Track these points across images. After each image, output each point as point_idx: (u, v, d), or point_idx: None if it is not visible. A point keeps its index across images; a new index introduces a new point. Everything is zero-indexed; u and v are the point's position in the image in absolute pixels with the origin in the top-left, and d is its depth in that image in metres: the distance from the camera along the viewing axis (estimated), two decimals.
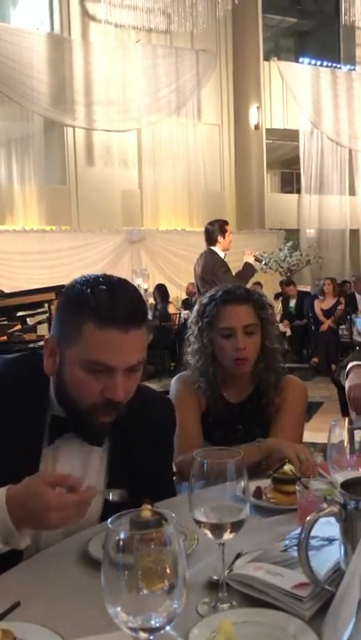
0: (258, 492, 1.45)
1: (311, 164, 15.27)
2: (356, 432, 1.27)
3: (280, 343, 1.97)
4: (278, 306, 10.05)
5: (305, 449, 1.69)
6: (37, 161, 12.49)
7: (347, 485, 0.98)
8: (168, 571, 0.74)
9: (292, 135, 15.32)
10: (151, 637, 0.76)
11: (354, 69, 15.86)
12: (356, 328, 8.59)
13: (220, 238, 5.38)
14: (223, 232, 5.40)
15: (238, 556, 1.14)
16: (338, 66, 15.70)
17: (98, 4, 12.32)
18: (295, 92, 14.92)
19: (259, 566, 1.06)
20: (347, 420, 1.29)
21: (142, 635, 0.75)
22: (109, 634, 0.89)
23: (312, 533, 0.96)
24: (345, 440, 1.26)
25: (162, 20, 12.24)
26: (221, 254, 5.38)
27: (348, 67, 15.84)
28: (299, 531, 0.99)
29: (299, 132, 15.23)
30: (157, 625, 0.75)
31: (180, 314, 9.94)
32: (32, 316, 6.28)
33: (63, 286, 1.39)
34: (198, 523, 1.02)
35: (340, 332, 9.02)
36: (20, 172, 12.35)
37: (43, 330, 6.31)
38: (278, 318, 9.22)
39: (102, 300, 1.23)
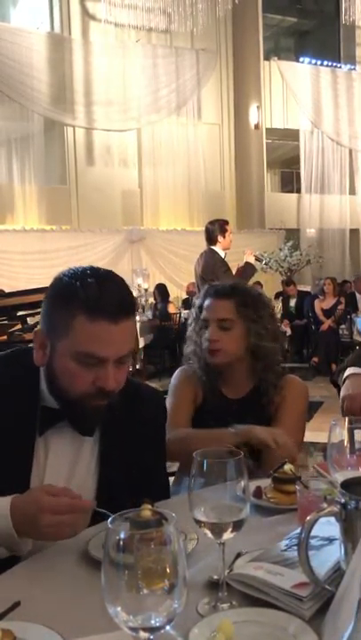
0: (258, 492, 1.45)
1: (311, 163, 15.27)
2: (356, 432, 1.27)
3: (276, 341, 1.97)
4: (278, 305, 10.05)
5: (283, 434, 1.74)
6: (37, 160, 12.49)
7: (347, 485, 0.98)
8: (168, 570, 0.74)
9: (293, 135, 15.32)
10: (151, 637, 0.76)
11: (354, 69, 15.85)
12: (356, 328, 8.59)
13: (220, 238, 5.39)
14: (223, 231, 5.41)
15: (238, 555, 1.14)
16: (338, 65, 15.70)
17: (98, 3, 12.32)
18: (295, 92, 14.91)
19: (259, 566, 1.06)
20: (347, 419, 1.29)
21: (142, 634, 0.75)
22: (110, 633, 0.88)
23: (312, 533, 0.96)
24: (345, 440, 1.26)
25: (162, 19, 12.23)
26: (222, 254, 5.39)
27: (348, 66, 15.83)
28: (299, 530, 0.99)
29: (299, 131, 15.24)
30: (157, 624, 0.75)
31: (180, 313, 9.94)
32: (32, 315, 6.28)
33: None
34: (198, 522, 1.02)
35: (341, 331, 9.03)
36: (20, 172, 12.35)
37: None
38: (278, 318, 9.20)
39: (91, 293, 1.24)
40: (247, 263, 5.64)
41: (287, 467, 1.47)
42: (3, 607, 1.01)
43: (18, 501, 1.17)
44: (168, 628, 0.76)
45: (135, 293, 10.95)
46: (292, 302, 10.32)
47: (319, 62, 15.40)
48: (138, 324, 9.43)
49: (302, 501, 1.28)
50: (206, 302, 2.00)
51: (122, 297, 1.28)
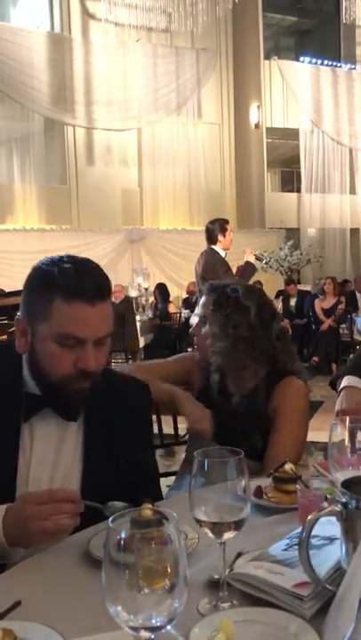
0: (258, 492, 1.45)
1: (312, 162, 15.27)
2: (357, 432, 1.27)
3: (252, 346, 1.90)
4: (279, 305, 10.05)
5: (207, 420, 1.83)
6: (37, 160, 12.50)
7: (348, 484, 0.98)
8: (169, 570, 0.74)
9: (293, 134, 15.32)
10: (152, 636, 0.76)
11: (354, 68, 15.86)
12: (356, 327, 8.58)
13: (220, 237, 5.39)
14: (224, 231, 5.41)
15: (239, 555, 1.14)
16: (338, 65, 15.70)
17: (98, 2, 12.32)
18: (295, 91, 14.91)
19: (259, 565, 1.05)
20: (348, 418, 1.28)
21: (143, 634, 0.75)
22: (110, 633, 0.88)
23: (313, 532, 0.96)
24: (346, 439, 1.26)
25: (162, 18, 12.23)
26: (222, 253, 5.39)
27: (348, 65, 15.83)
28: (300, 530, 0.99)
29: (299, 130, 15.25)
30: (158, 624, 0.75)
31: (180, 313, 9.95)
32: None
33: None
34: (199, 522, 1.02)
35: (341, 331, 9.02)
36: (20, 172, 12.36)
37: None
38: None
39: (69, 277, 1.30)
40: (247, 262, 5.65)
41: (288, 466, 1.47)
42: (3, 607, 1.01)
43: (9, 509, 1.21)
44: (169, 627, 0.76)
45: (135, 293, 10.97)
46: (293, 302, 10.32)
47: (319, 61, 15.40)
48: (138, 324, 9.44)
49: (303, 501, 1.28)
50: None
51: (98, 281, 1.33)
